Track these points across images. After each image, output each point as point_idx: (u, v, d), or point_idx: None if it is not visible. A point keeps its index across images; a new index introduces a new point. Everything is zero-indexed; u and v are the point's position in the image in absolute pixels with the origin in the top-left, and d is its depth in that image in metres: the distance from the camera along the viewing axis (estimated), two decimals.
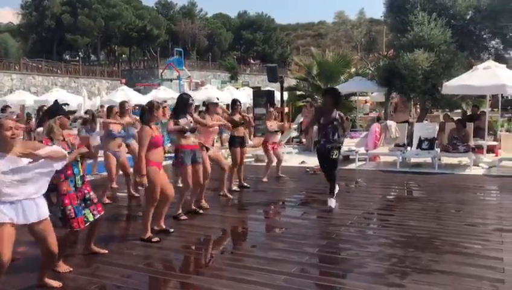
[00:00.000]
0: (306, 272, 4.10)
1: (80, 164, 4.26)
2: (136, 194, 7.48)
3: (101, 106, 18.10)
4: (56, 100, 4.58)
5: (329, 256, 4.61)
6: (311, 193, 8.08)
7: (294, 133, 15.19)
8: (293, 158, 11.84)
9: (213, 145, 7.26)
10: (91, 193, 4.35)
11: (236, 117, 8.03)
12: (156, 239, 5.16)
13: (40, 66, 37.26)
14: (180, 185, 7.95)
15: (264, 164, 9.37)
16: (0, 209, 3.34)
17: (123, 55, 60.51)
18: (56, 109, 4.25)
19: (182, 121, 6.04)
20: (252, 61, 64.35)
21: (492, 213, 6.29)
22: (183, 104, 6.09)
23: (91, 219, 4.28)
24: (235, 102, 8.26)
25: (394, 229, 5.59)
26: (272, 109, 9.74)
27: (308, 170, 10.04)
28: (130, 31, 52.00)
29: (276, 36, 70.37)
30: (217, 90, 21.02)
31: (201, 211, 6.45)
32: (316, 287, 3.83)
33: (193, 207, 6.45)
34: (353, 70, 16.56)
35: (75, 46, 53.72)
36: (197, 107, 9.73)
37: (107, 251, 4.73)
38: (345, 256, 4.54)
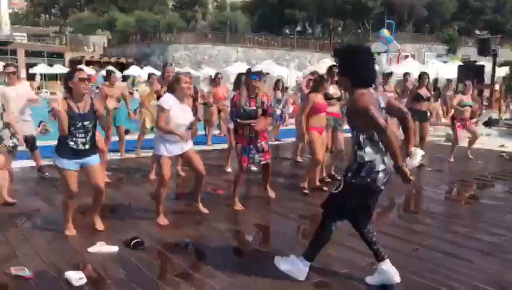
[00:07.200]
0: None
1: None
2: None
3: (304, 77, 19.40)
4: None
5: None
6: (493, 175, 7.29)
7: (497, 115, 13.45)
8: (491, 141, 10.75)
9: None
10: (263, 143, 5.11)
11: (423, 92, 7.80)
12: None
13: (260, 39, 41.26)
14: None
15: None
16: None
17: (338, 28, 61.37)
18: None
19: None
20: (477, 32, 57.31)
21: None
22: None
23: (257, 161, 5.12)
24: (422, 75, 8.06)
25: None
26: (469, 83, 8.89)
27: (503, 155, 9.03)
28: (345, 3, 52.37)
29: None
30: (420, 64, 19.87)
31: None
32: None
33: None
34: None
35: (294, 21, 57.05)
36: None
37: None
38: None
